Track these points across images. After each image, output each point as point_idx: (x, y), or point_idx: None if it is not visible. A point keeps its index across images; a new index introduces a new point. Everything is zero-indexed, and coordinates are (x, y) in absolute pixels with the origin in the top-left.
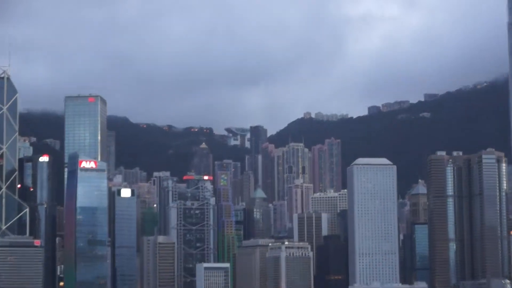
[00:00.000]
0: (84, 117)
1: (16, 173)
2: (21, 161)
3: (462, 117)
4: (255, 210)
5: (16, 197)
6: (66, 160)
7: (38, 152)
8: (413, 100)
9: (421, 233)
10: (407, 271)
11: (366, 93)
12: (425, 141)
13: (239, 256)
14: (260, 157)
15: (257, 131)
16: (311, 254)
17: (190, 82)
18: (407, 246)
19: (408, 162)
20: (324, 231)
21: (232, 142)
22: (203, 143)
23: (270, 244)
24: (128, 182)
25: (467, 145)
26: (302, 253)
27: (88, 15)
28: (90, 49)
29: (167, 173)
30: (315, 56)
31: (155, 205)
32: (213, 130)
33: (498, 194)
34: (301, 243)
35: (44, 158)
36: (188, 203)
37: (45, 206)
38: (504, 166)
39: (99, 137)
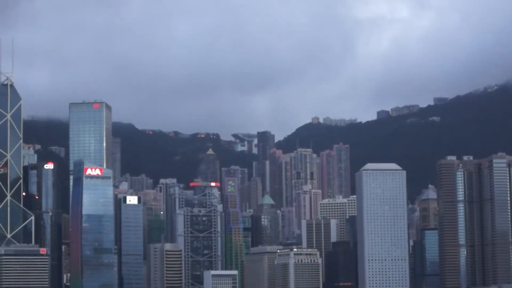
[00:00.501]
0: (89, 124)
1: (21, 181)
2: (26, 169)
3: (472, 121)
4: (263, 216)
5: (21, 205)
6: (71, 168)
7: (43, 159)
8: (423, 104)
9: (431, 239)
10: (417, 278)
11: (375, 97)
12: (435, 146)
13: (247, 263)
14: (267, 163)
15: (264, 136)
16: (320, 260)
17: (196, 87)
18: (417, 252)
19: (417, 167)
20: (333, 238)
21: (239, 148)
22: (210, 149)
23: (278, 251)
24: (134, 189)
25: (478, 149)
26: (311, 260)
27: (92, 20)
28: (95, 54)
29: (174, 180)
30: (324, 59)
31: (161, 212)
32: (220, 136)
33: (509, 199)
34: (309, 250)
35: (49, 166)
36: (195, 210)
37: (51, 214)
38: None
39: (104, 144)
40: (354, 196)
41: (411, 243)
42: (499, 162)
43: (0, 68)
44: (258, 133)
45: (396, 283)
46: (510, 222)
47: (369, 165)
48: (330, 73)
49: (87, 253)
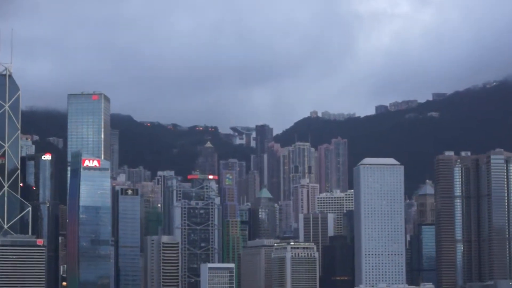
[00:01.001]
0: (87, 115)
1: (18, 171)
2: (24, 160)
3: (470, 117)
4: (260, 210)
5: (19, 196)
6: (69, 159)
7: (41, 150)
8: (421, 99)
9: (428, 234)
10: (413, 272)
11: (374, 92)
12: (433, 141)
13: (244, 256)
14: (265, 157)
15: (262, 130)
16: (316, 254)
17: (195, 80)
18: (414, 247)
19: (415, 162)
20: (330, 232)
21: (238, 141)
22: (208, 142)
23: (275, 245)
24: (132, 181)
25: (476, 145)
26: (307, 254)
27: (92, 11)
28: (94, 46)
29: (172, 172)
30: (324, 54)
31: (159, 205)
32: (218, 129)
33: (506, 195)
34: (306, 244)
35: (47, 157)
36: (193, 202)
37: (48, 205)
38: None
39: (102, 136)
40: (352, 190)
41: (408, 238)
42: (497, 158)
43: None
44: (257, 126)
45: (392, 277)
46: (507, 218)
47: (367, 160)
48: (330, 67)
49: (84, 245)
